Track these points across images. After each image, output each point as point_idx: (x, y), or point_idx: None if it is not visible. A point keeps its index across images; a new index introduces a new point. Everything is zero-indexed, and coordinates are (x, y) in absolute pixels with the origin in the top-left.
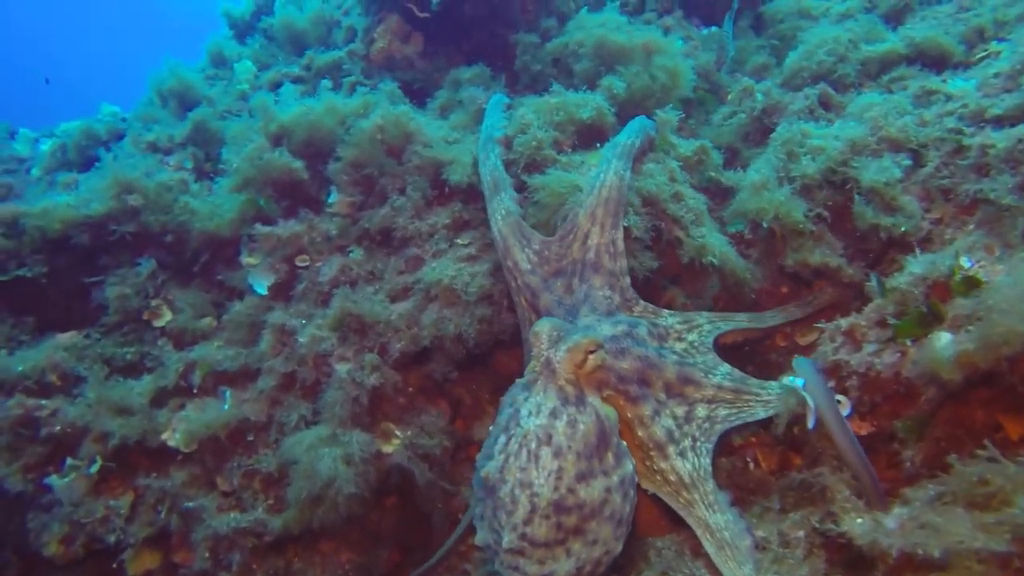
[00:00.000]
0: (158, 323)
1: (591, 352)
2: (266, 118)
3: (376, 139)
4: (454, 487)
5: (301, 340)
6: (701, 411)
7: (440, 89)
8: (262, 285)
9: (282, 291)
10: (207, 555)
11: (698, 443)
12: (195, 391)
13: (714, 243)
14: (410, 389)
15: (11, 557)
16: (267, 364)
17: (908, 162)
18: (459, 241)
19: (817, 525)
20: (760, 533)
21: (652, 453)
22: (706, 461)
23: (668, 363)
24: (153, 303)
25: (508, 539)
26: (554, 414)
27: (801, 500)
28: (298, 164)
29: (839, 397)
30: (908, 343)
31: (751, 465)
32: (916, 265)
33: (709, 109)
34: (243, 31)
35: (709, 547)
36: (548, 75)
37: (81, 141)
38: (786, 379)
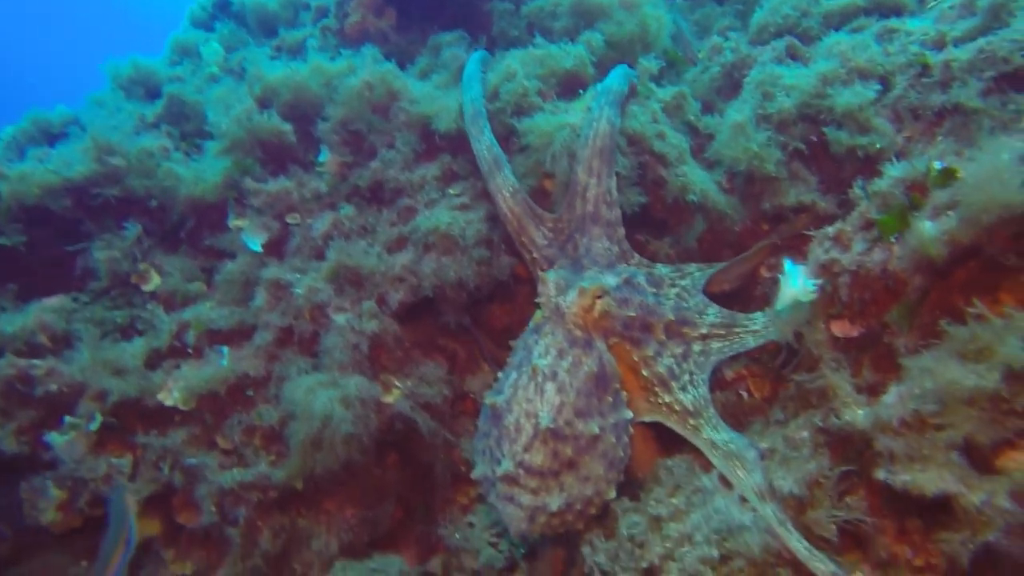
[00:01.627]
0: (147, 287)
1: (598, 297)
2: (252, 78)
3: (364, 96)
4: (455, 438)
5: (298, 292)
6: (697, 347)
7: (419, 57)
8: (256, 242)
9: (275, 248)
10: (213, 509)
11: (695, 376)
12: (190, 351)
13: (696, 180)
14: (406, 344)
15: (5, 530)
16: (263, 319)
17: (879, 86)
18: (451, 191)
19: (820, 423)
20: (764, 444)
21: (657, 389)
22: (704, 390)
23: (666, 308)
24: (141, 267)
25: (505, 465)
26: (561, 353)
27: (802, 406)
28: (287, 127)
29: (809, 283)
30: (892, 240)
31: (744, 396)
32: (895, 169)
33: (680, 71)
34: (208, 20)
35: (717, 460)
36: (526, 41)
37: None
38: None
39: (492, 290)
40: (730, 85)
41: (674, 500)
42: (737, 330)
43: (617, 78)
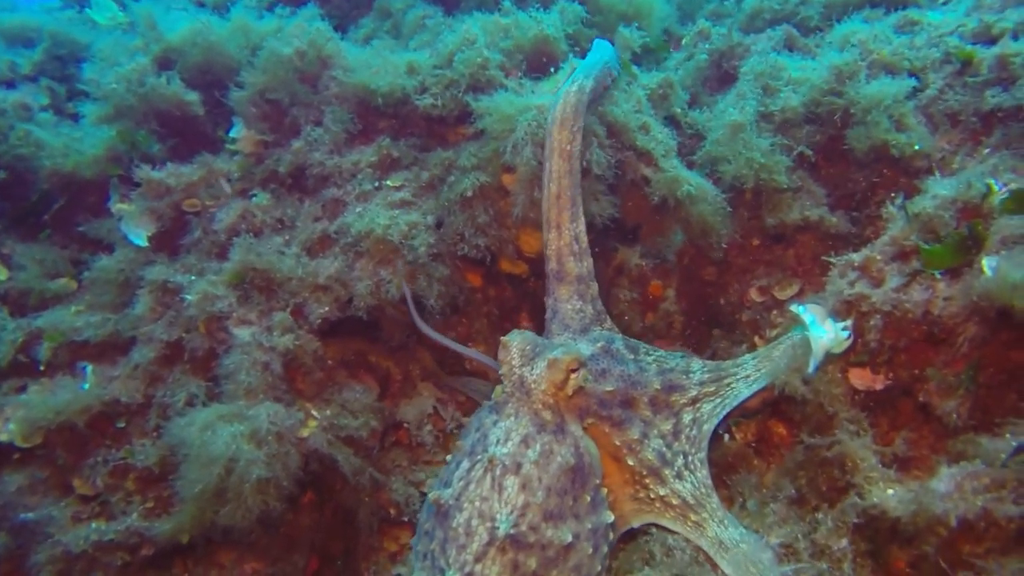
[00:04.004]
0: None
1: (573, 371)
2: (148, 36)
3: (293, 64)
4: (384, 477)
5: (189, 299)
6: (687, 416)
7: (364, 19)
8: (139, 235)
9: (165, 242)
10: None
11: (690, 457)
12: (41, 368)
13: (688, 175)
14: (329, 361)
15: None
16: (144, 331)
17: (914, 81)
18: (389, 182)
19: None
20: (776, 538)
21: (648, 481)
22: (703, 473)
23: (651, 376)
24: None
25: None
26: (526, 441)
27: (818, 479)
28: (192, 96)
29: (840, 324)
30: (937, 275)
31: (726, 438)
32: (940, 187)
33: (660, 57)
34: None
35: (727, 565)
36: (494, 5)
37: None
38: (794, 310)
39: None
40: (718, 76)
41: None
42: (727, 381)
43: (591, 68)
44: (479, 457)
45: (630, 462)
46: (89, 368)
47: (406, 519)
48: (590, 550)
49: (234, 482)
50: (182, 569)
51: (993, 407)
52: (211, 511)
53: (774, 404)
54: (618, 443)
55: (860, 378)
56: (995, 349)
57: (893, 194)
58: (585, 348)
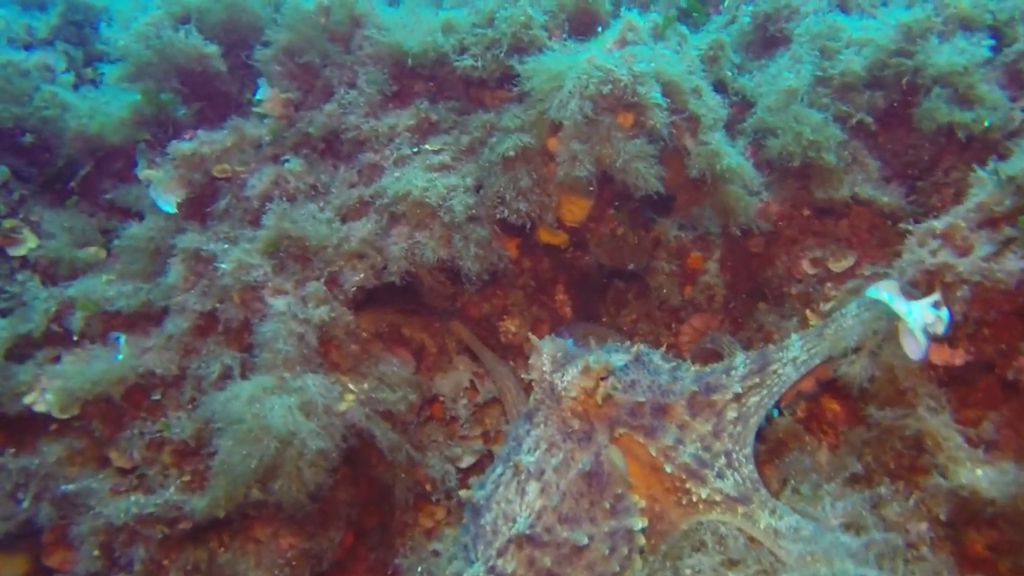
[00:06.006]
0: (15, 251)
1: (603, 379)
2: None
3: (318, 21)
4: (420, 453)
5: (224, 267)
6: (731, 413)
7: None
8: (169, 202)
9: (196, 209)
10: (97, 553)
11: (734, 455)
12: (75, 338)
13: (729, 150)
14: (364, 334)
15: None
16: (177, 301)
17: (990, 41)
18: (427, 146)
19: (943, 518)
20: (836, 519)
21: (688, 485)
22: (750, 468)
23: (685, 380)
24: (6, 224)
25: (476, 569)
26: (552, 449)
27: (886, 455)
28: (212, 49)
29: (934, 311)
30: None
31: (775, 414)
32: None
33: (698, 21)
34: None
35: (787, 554)
36: None
37: None
38: (869, 295)
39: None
40: (763, 40)
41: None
42: (772, 367)
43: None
44: (510, 463)
45: (668, 469)
46: (123, 339)
47: (441, 496)
48: (605, 551)
49: (291, 455)
50: (218, 544)
51: None
52: (251, 486)
53: (829, 381)
54: (653, 452)
55: (939, 354)
56: None
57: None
58: (618, 359)
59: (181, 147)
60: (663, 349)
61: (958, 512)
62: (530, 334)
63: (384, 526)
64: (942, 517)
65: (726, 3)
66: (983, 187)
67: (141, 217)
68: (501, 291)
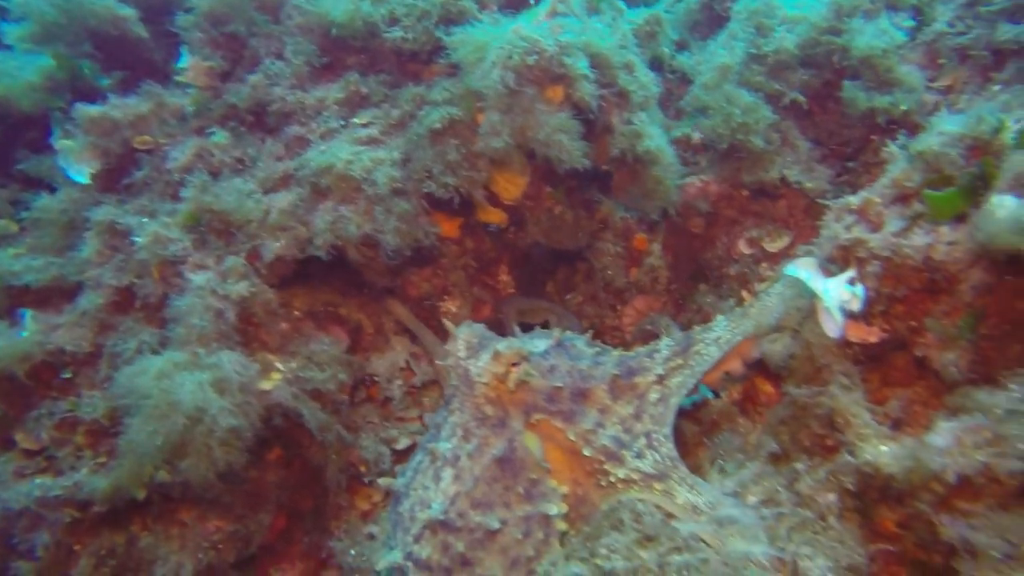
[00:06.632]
0: None
1: (514, 365)
2: None
3: None
4: (352, 435)
5: (140, 241)
6: (653, 395)
7: None
8: (81, 172)
9: (112, 180)
10: None
11: (654, 435)
12: None
13: (653, 132)
14: (296, 312)
15: None
16: (91, 275)
17: (910, 22)
18: (356, 120)
19: (852, 487)
20: (754, 496)
21: (607, 466)
22: (668, 447)
23: (607, 365)
24: None
25: (394, 555)
26: (466, 435)
27: (801, 433)
28: (128, 11)
29: (849, 288)
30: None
31: (711, 396)
32: (948, 123)
33: (648, 0)
34: None
35: (704, 528)
36: None
37: None
38: (786, 273)
39: (410, 257)
40: (709, 20)
41: (643, 554)
42: (695, 348)
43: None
44: (427, 450)
45: (586, 452)
46: (28, 314)
47: (375, 478)
48: (519, 535)
49: (200, 433)
50: (140, 527)
51: (995, 359)
52: (158, 466)
53: (760, 363)
54: (572, 437)
55: (854, 331)
56: (1001, 297)
57: (900, 133)
58: (539, 344)
59: (88, 111)
60: (589, 335)
61: (866, 488)
62: (446, 321)
63: (318, 509)
64: (850, 487)
65: None
66: (897, 162)
67: (55, 189)
68: (442, 271)
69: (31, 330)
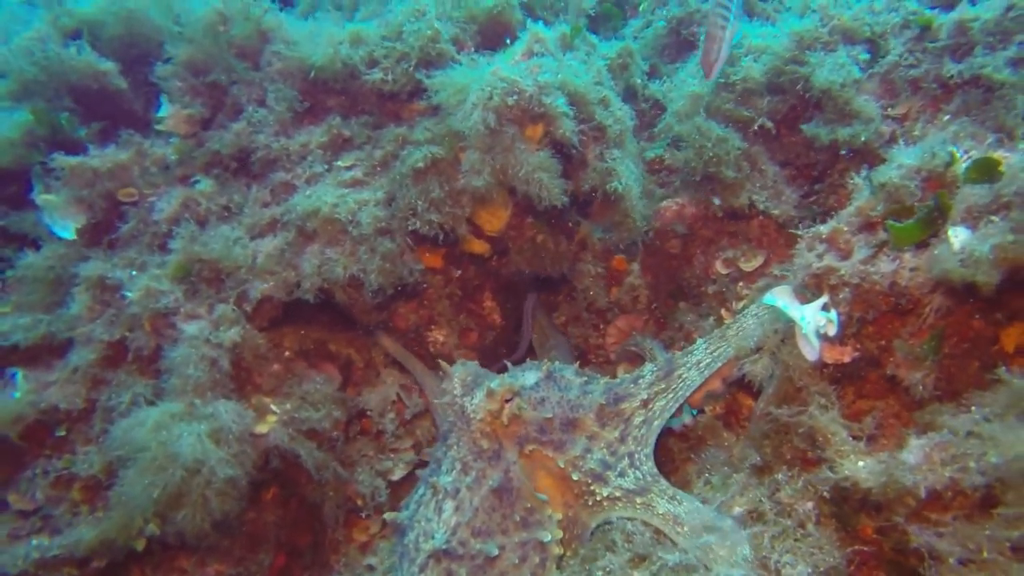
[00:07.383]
0: None
1: (507, 401)
2: (54, 7)
3: (218, 31)
4: (347, 471)
5: (130, 295)
6: (638, 418)
7: None
8: (66, 227)
9: (98, 234)
10: None
11: (636, 456)
12: None
13: (623, 170)
14: (287, 353)
15: None
16: (82, 331)
17: (866, 55)
18: (340, 163)
19: (827, 494)
20: (739, 508)
21: (593, 487)
22: (649, 466)
23: (594, 394)
24: None
25: None
26: (465, 469)
27: (783, 449)
28: (108, 65)
29: (824, 313)
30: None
31: (693, 414)
32: (905, 156)
33: (616, 25)
34: None
35: (685, 539)
36: None
37: None
38: (765, 303)
39: (394, 294)
40: (676, 44)
41: (636, 574)
42: (678, 372)
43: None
44: (429, 484)
45: (575, 477)
46: (19, 374)
47: (371, 512)
48: (516, 560)
49: (198, 484)
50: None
51: (957, 376)
52: (148, 519)
53: (740, 379)
54: (562, 464)
55: (829, 352)
56: (959, 318)
57: (864, 167)
58: (530, 377)
59: (67, 160)
60: (576, 365)
61: (847, 499)
62: (441, 361)
63: (317, 544)
64: (825, 495)
65: (642, 7)
66: (861, 193)
67: (39, 245)
68: (428, 301)
69: (23, 390)
